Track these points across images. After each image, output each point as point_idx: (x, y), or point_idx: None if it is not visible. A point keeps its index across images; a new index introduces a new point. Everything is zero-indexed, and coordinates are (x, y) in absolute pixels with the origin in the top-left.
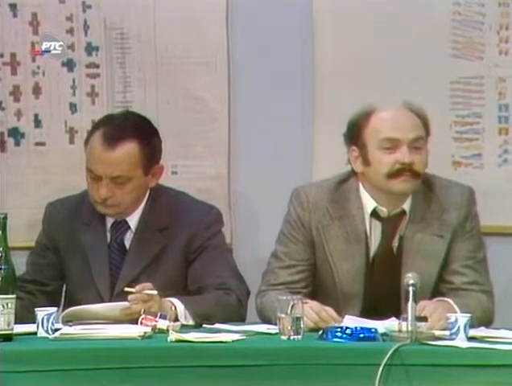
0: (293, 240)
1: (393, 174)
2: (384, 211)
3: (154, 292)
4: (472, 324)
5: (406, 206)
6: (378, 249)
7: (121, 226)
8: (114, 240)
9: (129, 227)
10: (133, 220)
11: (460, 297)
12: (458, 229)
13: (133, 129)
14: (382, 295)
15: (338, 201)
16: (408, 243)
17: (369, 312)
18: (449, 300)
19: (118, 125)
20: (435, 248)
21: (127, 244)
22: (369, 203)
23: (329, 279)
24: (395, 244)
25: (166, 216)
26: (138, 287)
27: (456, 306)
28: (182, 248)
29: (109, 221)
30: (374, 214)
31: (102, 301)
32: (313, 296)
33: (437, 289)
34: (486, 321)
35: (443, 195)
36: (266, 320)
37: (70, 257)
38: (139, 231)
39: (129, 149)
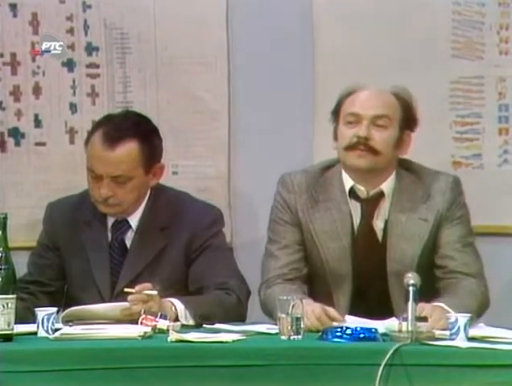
0: (282, 223)
1: (350, 148)
2: (362, 190)
3: (154, 292)
4: (472, 318)
5: (385, 187)
6: (359, 229)
7: (122, 225)
8: (115, 240)
9: (130, 227)
10: (134, 220)
11: (453, 294)
12: (445, 215)
13: (133, 128)
14: (371, 276)
15: (322, 185)
16: (393, 226)
17: (359, 293)
18: (443, 305)
19: (118, 124)
20: (419, 231)
21: (128, 243)
22: (347, 182)
23: (318, 260)
24: (381, 225)
25: (167, 216)
26: (137, 287)
27: (450, 310)
28: (183, 247)
29: (110, 220)
30: (353, 194)
31: (103, 300)
32: (307, 280)
33: (424, 272)
34: (482, 308)
35: (429, 181)
36: (268, 313)
37: (71, 257)
38: (140, 230)
39: (129, 148)
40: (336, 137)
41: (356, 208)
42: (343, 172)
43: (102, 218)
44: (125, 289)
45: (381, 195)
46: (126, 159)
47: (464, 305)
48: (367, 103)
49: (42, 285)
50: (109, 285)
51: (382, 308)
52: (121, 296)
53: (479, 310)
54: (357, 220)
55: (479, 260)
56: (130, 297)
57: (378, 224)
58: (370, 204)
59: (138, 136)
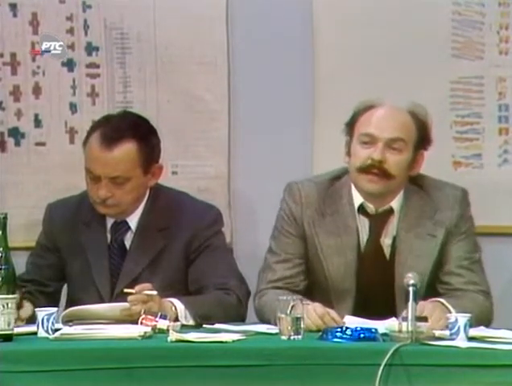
0: (286, 234)
1: (363, 170)
2: (371, 207)
3: (154, 292)
4: (471, 324)
5: (395, 204)
6: (367, 246)
7: (121, 226)
8: (115, 241)
9: (129, 228)
10: (133, 220)
11: (456, 298)
12: (452, 230)
13: (131, 129)
14: (375, 292)
15: (330, 197)
16: (401, 242)
17: (362, 308)
18: (443, 300)
19: (116, 125)
20: (428, 248)
21: (127, 244)
22: (356, 198)
23: (321, 274)
24: (389, 242)
25: (166, 216)
26: (137, 288)
27: (450, 306)
28: (182, 247)
29: (110, 221)
30: (362, 210)
31: (103, 301)
32: (307, 291)
33: (432, 288)
34: (485, 320)
35: (437, 195)
36: (264, 321)
37: (71, 258)
38: (139, 231)
39: (127, 149)
40: (348, 153)
41: (364, 224)
42: (352, 187)
43: (101, 219)
44: (125, 290)
45: (390, 211)
46: (124, 160)
47: (464, 307)
48: (383, 124)
49: (39, 285)
50: (109, 285)
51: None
52: (121, 296)
53: (480, 319)
54: (363, 236)
55: (485, 278)
56: (129, 298)
57: (386, 241)
58: (379, 221)
59: (136, 136)
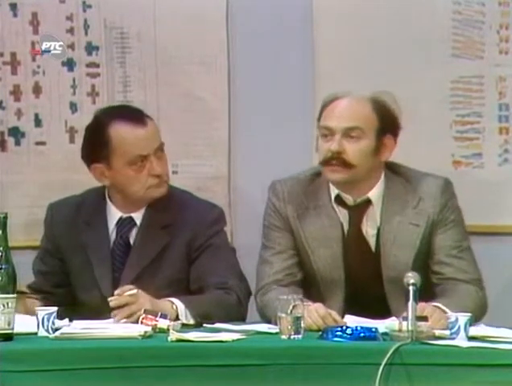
0: (275, 229)
1: (325, 162)
2: (349, 198)
3: (135, 291)
4: (471, 323)
5: (372, 194)
6: (348, 236)
7: (127, 222)
8: (120, 237)
9: (135, 224)
10: (138, 217)
11: (450, 295)
12: (437, 219)
13: (140, 111)
14: (365, 283)
15: (312, 192)
16: (384, 232)
17: (352, 300)
18: (440, 305)
19: (131, 109)
20: (411, 237)
21: (132, 240)
22: (333, 190)
23: (309, 267)
24: (373, 232)
25: (169, 214)
26: (117, 291)
27: (447, 310)
28: (184, 246)
29: (112, 220)
30: (340, 201)
31: (104, 300)
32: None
33: (421, 278)
34: (480, 312)
35: (419, 185)
36: (267, 319)
37: (72, 257)
38: (143, 227)
39: (152, 125)
40: (317, 148)
41: (344, 215)
42: None
43: (103, 218)
44: (109, 299)
45: (368, 202)
46: (155, 134)
47: (461, 306)
48: (339, 115)
49: (50, 294)
50: (111, 284)
51: (380, 313)
52: None
53: (476, 313)
54: (346, 227)
55: (476, 265)
56: (111, 304)
57: (370, 231)
58: (358, 211)
59: (148, 117)
